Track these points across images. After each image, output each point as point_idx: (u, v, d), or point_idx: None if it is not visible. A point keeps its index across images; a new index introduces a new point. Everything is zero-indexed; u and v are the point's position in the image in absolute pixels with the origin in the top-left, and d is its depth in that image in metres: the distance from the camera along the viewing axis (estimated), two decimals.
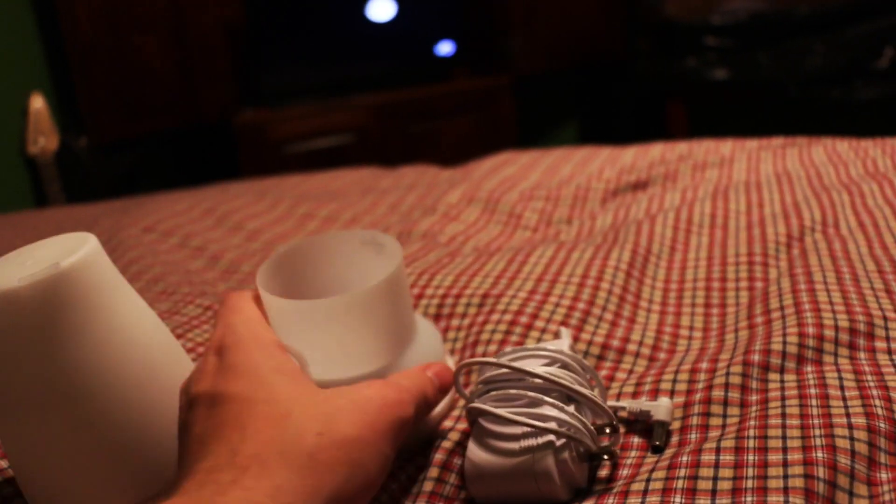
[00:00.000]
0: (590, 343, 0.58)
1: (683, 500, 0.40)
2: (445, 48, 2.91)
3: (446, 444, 0.48)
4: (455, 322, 0.62)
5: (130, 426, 0.42)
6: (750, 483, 0.40)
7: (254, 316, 0.44)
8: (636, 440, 0.47)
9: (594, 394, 0.43)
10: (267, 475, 0.35)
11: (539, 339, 0.58)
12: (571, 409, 0.42)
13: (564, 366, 0.45)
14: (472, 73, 3.05)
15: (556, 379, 0.42)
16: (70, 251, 0.41)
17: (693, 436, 0.46)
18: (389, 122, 2.81)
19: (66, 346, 0.40)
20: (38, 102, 2.38)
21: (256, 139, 2.69)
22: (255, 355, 0.41)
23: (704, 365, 0.52)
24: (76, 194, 2.43)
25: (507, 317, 0.60)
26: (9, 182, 2.42)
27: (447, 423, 0.51)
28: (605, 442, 0.44)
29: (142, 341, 0.43)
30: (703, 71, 2.72)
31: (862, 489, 0.40)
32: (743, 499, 0.39)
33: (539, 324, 0.59)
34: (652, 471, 0.42)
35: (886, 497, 0.39)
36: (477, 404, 0.44)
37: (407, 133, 2.83)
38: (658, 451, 0.45)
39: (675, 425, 0.48)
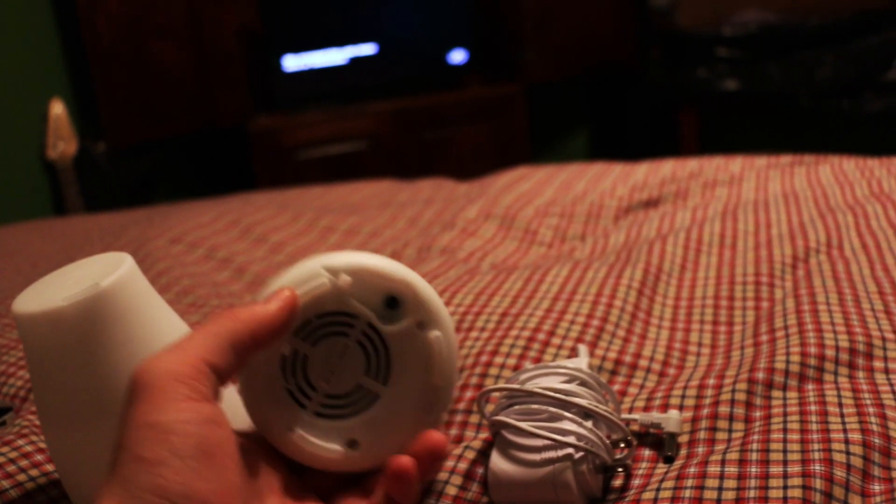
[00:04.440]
0: (603, 359, 0.61)
1: None
2: (458, 56, 2.94)
3: (469, 454, 0.51)
4: (474, 334, 0.65)
5: None
6: (752, 493, 0.43)
7: None
8: (647, 452, 0.50)
9: (610, 410, 0.47)
10: None
11: (556, 356, 0.61)
12: (589, 424, 0.45)
13: (583, 383, 0.48)
14: (485, 81, 3.08)
15: (574, 401, 0.45)
16: (108, 271, 0.44)
17: (700, 449, 0.50)
18: (403, 129, 2.84)
19: (106, 360, 0.43)
20: (57, 108, 2.43)
21: (271, 144, 2.73)
22: None
23: (711, 381, 0.55)
24: (94, 198, 2.47)
25: (526, 333, 0.63)
26: (28, 186, 2.47)
27: (468, 433, 0.54)
28: (620, 455, 0.48)
29: None
30: (714, 81, 2.75)
31: (856, 500, 0.43)
32: None
33: (556, 340, 0.62)
34: (661, 481, 0.46)
35: None
36: (501, 417, 0.47)
37: (420, 140, 2.87)
38: (669, 461, 0.49)
39: (684, 438, 0.51)
